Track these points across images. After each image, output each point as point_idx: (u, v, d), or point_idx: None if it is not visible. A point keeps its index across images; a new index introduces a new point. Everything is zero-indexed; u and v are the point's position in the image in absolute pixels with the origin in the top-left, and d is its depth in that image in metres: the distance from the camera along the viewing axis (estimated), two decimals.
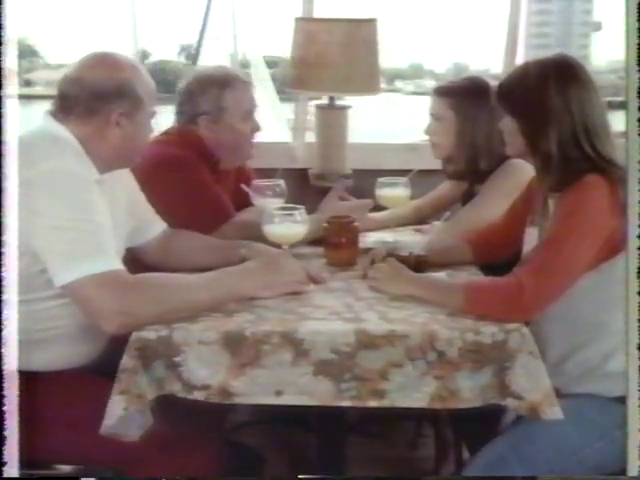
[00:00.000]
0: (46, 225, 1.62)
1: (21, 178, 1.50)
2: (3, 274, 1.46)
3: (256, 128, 2.39)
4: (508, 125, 1.84)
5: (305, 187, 2.96)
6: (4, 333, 1.46)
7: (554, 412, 1.59)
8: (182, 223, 2.08)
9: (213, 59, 4.34)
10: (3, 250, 1.47)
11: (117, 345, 1.62)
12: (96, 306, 1.60)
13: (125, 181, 1.95)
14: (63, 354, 1.75)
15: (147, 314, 1.60)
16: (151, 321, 1.60)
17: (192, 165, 2.23)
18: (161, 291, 1.64)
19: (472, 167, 2.26)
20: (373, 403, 1.60)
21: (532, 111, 1.77)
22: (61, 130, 1.74)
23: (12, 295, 1.47)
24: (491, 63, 3.41)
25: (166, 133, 2.35)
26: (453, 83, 2.29)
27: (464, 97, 2.23)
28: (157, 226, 2.04)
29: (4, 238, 1.47)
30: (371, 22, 2.86)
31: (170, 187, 2.14)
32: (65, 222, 1.63)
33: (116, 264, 1.65)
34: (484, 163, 2.23)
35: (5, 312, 1.46)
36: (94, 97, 1.75)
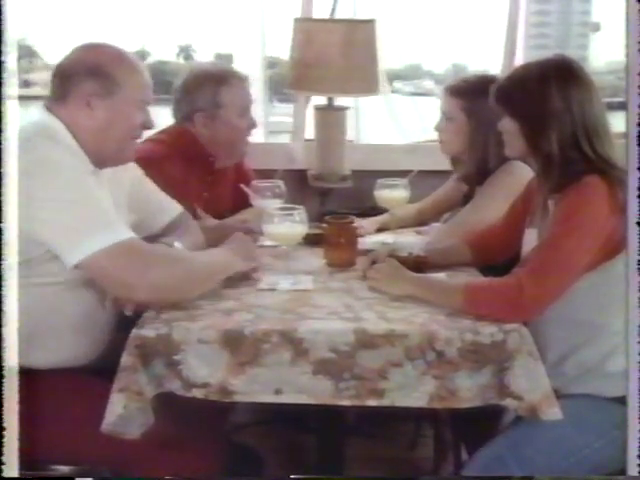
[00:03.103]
0: (46, 209, 1.61)
1: (18, 168, 1.50)
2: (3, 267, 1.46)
3: (252, 125, 2.38)
4: (508, 126, 1.84)
5: (304, 188, 2.97)
6: (4, 330, 1.45)
7: (553, 412, 1.60)
8: None
9: None
10: (3, 241, 1.46)
11: (117, 345, 1.62)
12: (117, 278, 1.62)
13: (125, 179, 1.92)
14: (63, 349, 1.74)
15: (170, 278, 1.65)
16: (174, 287, 1.67)
17: (161, 166, 2.17)
18: (177, 259, 1.73)
19: (482, 169, 2.23)
20: (372, 402, 1.60)
21: (533, 112, 1.76)
22: (52, 121, 1.73)
23: (11, 291, 1.47)
24: (490, 64, 3.41)
25: (162, 132, 2.35)
26: (466, 82, 2.25)
27: (476, 99, 2.18)
28: (166, 215, 2.02)
29: (3, 229, 1.47)
30: (370, 23, 2.86)
31: None
32: (65, 203, 1.62)
33: (126, 233, 1.65)
34: (492, 164, 2.21)
35: (5, 307, 1.45)
36: (65, 76, 1.76)
